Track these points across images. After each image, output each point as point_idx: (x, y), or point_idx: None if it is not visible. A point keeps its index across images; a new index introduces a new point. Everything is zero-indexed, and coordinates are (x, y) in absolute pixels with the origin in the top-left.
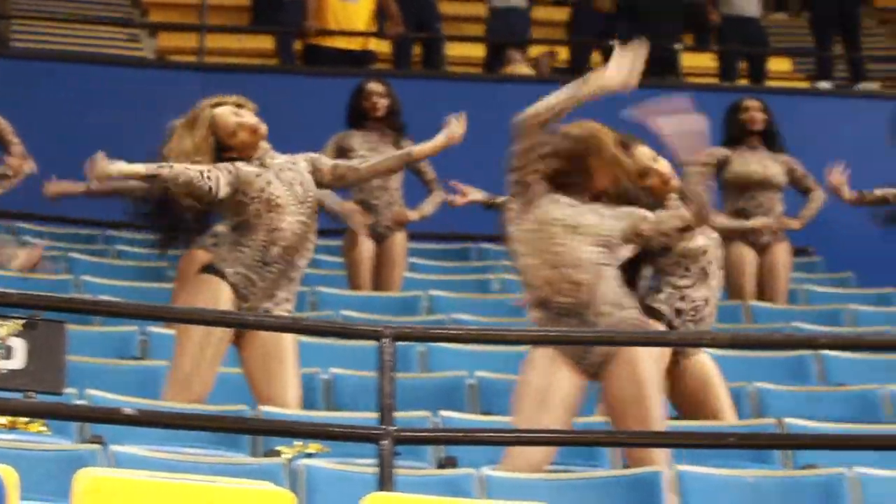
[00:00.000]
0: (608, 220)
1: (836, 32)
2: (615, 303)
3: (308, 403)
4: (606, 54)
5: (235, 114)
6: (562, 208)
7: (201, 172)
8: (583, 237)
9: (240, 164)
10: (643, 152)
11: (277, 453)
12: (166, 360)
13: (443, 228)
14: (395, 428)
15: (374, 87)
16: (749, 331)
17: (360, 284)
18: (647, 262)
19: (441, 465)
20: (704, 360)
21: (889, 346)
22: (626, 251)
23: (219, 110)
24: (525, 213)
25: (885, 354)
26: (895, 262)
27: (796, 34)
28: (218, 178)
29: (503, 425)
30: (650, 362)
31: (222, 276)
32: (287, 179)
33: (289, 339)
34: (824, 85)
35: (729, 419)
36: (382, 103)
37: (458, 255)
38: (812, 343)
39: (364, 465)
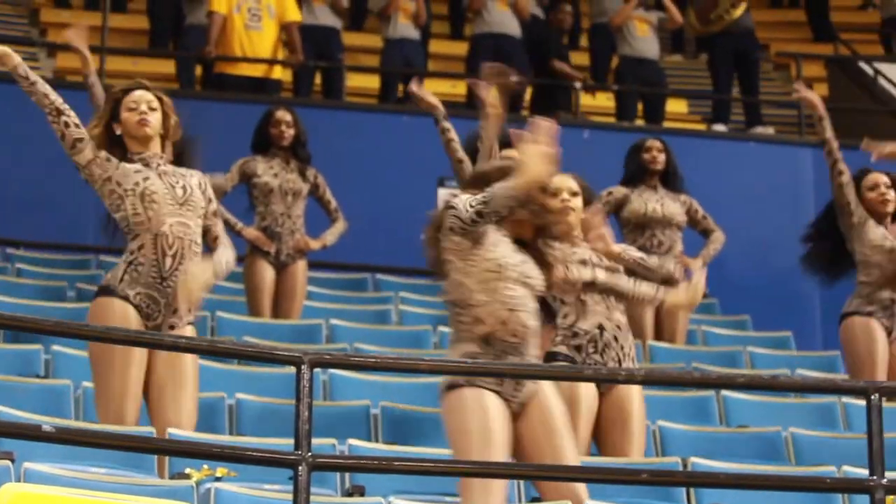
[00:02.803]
0: (537, 269)
1: (734, 76)
2: (538, 356)
3: (212, 428)
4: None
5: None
6: (512, 255)
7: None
8: (530, 289)
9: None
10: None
11: (186, 476)
12: (70, 379)
13: (339, 258)
14: (311, 454)
15: (283, 115)
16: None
17: (261, 311)
18: None
19: (349, 494)
20: (625, 396)
21: (802, 388)
22: None
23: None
24: (474, 249)
25: (785, 398)
26: (787, 306)
27: (693, 76)
28: (83, 134)
29: (415, 455)
30: (561, 401)
31: (125, 298)
32: (168, 181)
33: (189, 363)
34: (720, 128)
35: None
36: (289, 133)
37: (355, 285)
38: (730, 382)
39: (274, 491)
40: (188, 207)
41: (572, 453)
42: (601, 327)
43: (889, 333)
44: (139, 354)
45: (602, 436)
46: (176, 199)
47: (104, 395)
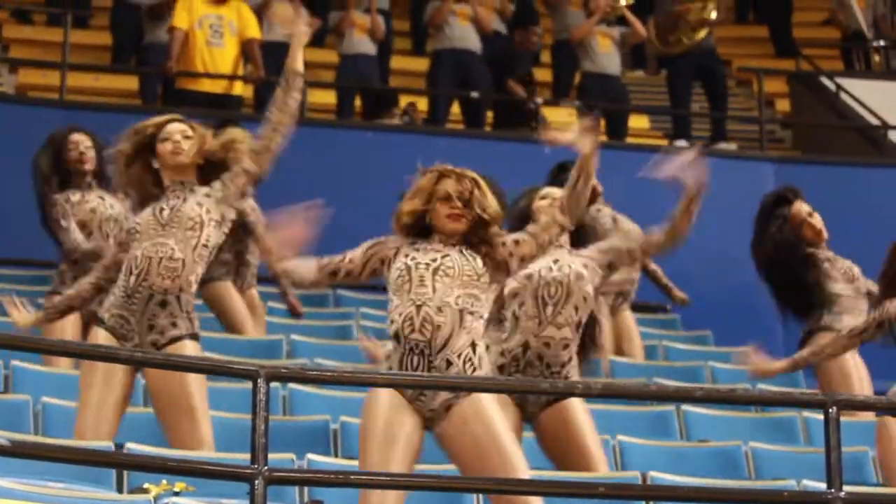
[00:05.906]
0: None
1: (692, 92)
2: (467, 358)
3: None
4: (466, 105)
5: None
6: (426, 253)
7: None
8: (450, 279)
9: None
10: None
11: (144, 490)
12: (29, 394)
13: None
14: (267, 468)
15: None
16: None
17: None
18: None
19: None
20: (566, 408)
21: (759, 402)
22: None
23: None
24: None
25: (745, 412)
26: (749, 322)
27: (654, 92)
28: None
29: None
30: (495, 405)
31: (100, 321)
32: (159, 205)
33: (178, 386)
34: (681, 143)
35: (596, 469)
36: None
37: (316, 301)
38: (687, 396)
39: None
40: (172, 226)
41: (510, 464)
42: (525, 345)
43: None
44: (121, 373)
45: (559, 459)
46: (158, 222)
47: (81, 409)
